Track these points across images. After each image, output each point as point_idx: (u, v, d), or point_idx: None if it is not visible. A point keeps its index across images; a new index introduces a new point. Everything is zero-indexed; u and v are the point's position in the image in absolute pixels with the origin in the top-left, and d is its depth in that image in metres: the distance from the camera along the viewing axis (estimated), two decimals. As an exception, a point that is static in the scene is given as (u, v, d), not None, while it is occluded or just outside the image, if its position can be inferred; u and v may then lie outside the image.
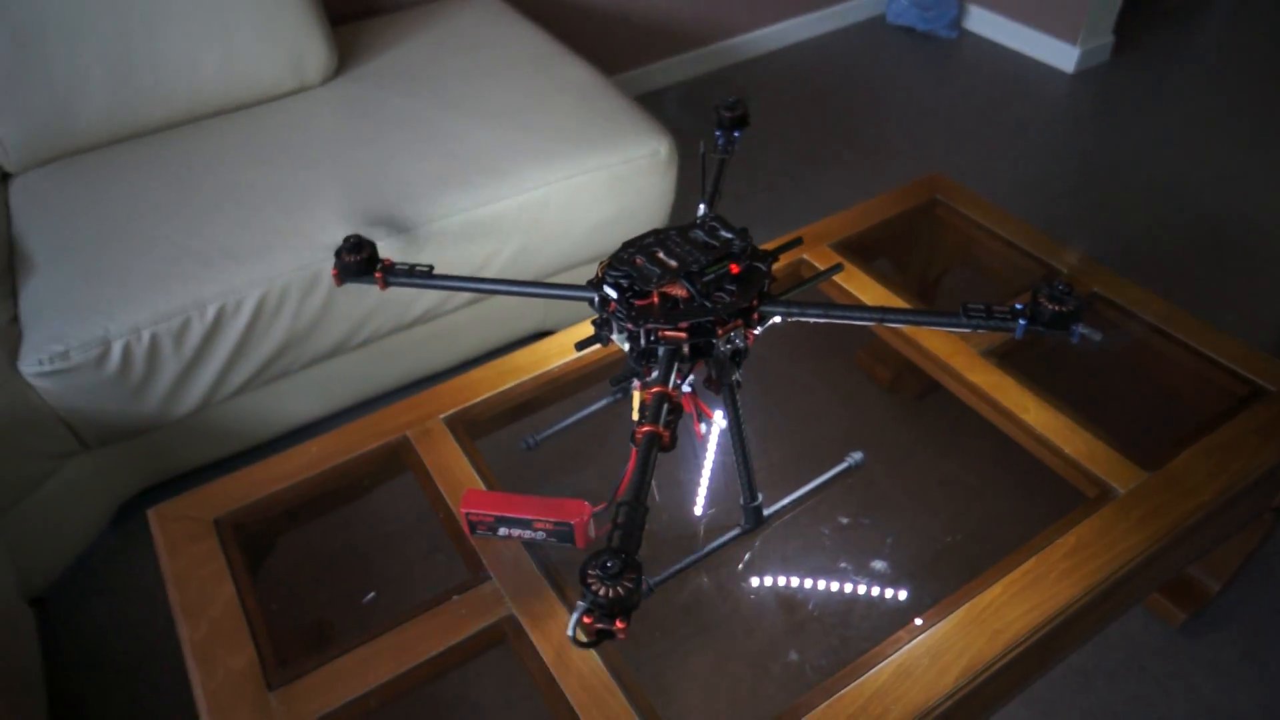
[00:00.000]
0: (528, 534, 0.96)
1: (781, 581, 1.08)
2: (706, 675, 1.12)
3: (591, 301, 0.88)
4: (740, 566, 1.08)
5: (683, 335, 0.82)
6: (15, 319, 1.37)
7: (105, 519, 1.53)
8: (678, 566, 0.95)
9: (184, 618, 0.91)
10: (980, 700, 0.91)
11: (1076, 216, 2.21)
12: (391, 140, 1.63)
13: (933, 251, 1.53)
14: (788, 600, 1.07)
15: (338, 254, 0.96)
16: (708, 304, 0.83)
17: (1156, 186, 2.30)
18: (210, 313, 1.37)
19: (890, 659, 0.86)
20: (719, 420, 0.99)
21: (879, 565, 1.09)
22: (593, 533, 0.95)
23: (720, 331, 0.84)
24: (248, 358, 1.44)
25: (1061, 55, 2.77)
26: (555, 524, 0.94)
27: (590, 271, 1.77)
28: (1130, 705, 1.29)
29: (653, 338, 0.83)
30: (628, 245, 0.89)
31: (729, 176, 1.08)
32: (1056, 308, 0.81)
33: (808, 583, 1.08)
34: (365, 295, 1.49)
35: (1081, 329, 0.82)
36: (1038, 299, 0.82)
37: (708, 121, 1.12)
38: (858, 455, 1.05)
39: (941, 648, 0.87)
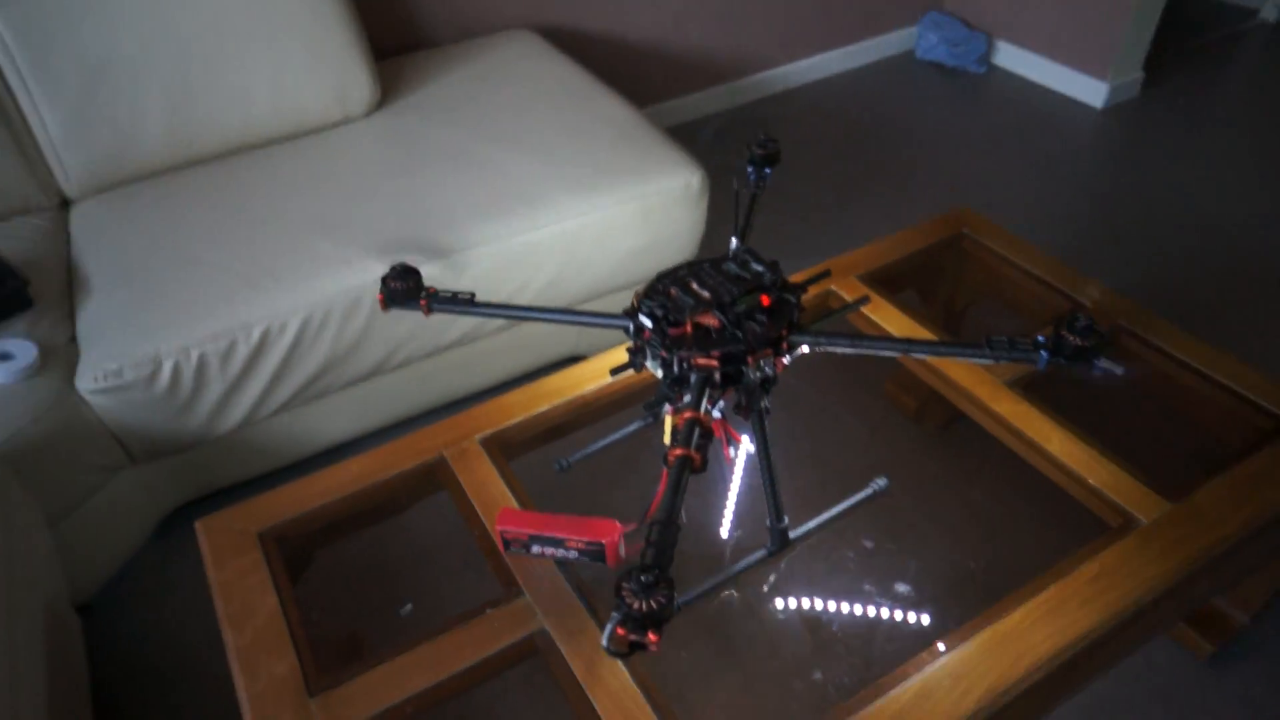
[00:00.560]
0: (560, 552, 0.99)
1: (806, 603, 1.10)
2: (732, 693, 1.13)
3: (627, 330, 0.92)
4: (766, 588, 1.10)
5: (715, 363, 0.86)
6: (73, 339, 1.43)
7: (148, 531, 1.58)
8: (705, 586, 0.98)
9: (229, 626, 0.95)
10: (1002, 725, 0.92)
11: (1103, 251, 2.23)
12: (432, 170, 1.69)
13: (959, 284, 1.55)
14: (812, 621, 1.09)
15: (384, 280, 1.01)
16: (739, 334, 0.87)
17: (1184, 223, 2.31)
18: (255, 334, 1.43)
19: (913, 680, 0.88)
20: (747, 445, 1.02)
21: (902, 589, 1.11)
22: (623, 552, 0.98)
23: (751, 360, 0.87)
24: (290, 377, 1.49)
25: (1091, 91, 2.79)
26: (587, 543, 0.97)
27: (621, 298, 1.81)
28: (1156, 739, 1.29)
29: (685, 365, 0.86)
30: (662, 276, 0.93)
31: (761, 208, 1.11)
32: (1079, 341, 0.84)
33: (832, 604, 1.10)
34: (403, 320, 1.55)
35: (1103, 363, 0.84)
36: (1060, 332, 0.84)
37: (739, 153, 1.16)
38: (882, 481, 1.07)
39: (963, 670, 0.89)
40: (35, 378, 1.35)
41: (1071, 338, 0.84)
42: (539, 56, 2.07)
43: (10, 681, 1.00)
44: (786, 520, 0.99)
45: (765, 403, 0.93)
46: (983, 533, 1.34)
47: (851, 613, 1.10)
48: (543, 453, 1.22)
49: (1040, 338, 0.85)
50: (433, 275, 1.53)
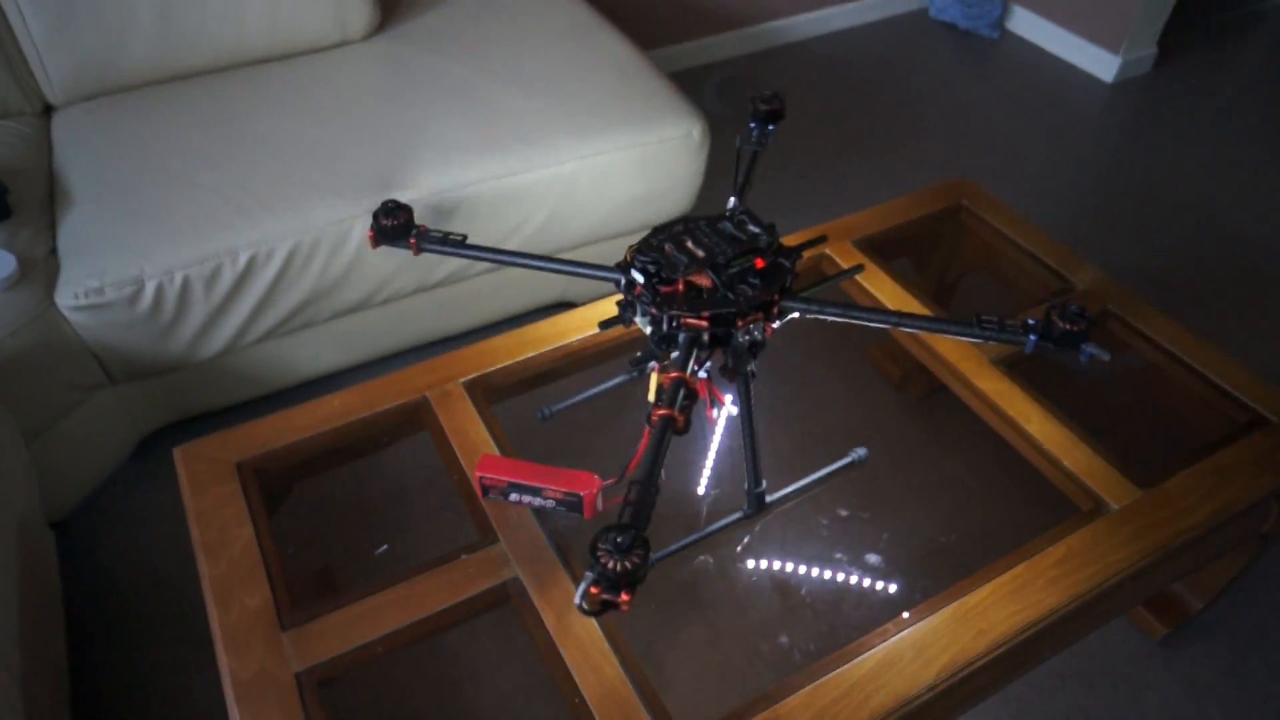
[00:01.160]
0: (538, 501, 0.99)
1: (778, 566, 1.11)
2: (698, 650, 1.16)
3: (618, 283, 0.91)
4: (739, 549, 1.12)
5: (704, 324, 0.85)
6: (54, 251, 1.41)
7: (126, 452, 1.58)
8: (679, 544, 0.99)
9: (204, 555, 0.95)
10: (960, 695, 0.95)
11: (1102, 226, 2.22)
12: (430, 101, 1.65)
13: (954, 255, 1.55)
14: (782, 585, 1.11)
15: (375, 216, 0.99)
16: (731, 295, 0.86)
17: (1186, 202, 2.30)
18: (242, 260, 1.40)
19: (877, 649, 0.89)
20: (730, 406, 1.02)
21: (873, 559, 1.12)
22: (600, 505, 0.99)
23: (740, 323, 0.86)
24: (275, 306, 1.47)
25: (1102, 64, 2.75)
26: (565, 494, 0.98)
27: (616, 245, 1.79)
28: (1103, 712, 1.33)
29: (675, 324, 0.86)
30: (657, 231, 0.92)
31: (762, 162, 1.10)
32: (1067, 326, 0.84)
33: (803, 570, 1.11)
34: (392, 255, 1.52)
35: (1091, 349, 0.84)
36: (1050, 317, 0.84)
37: (744, 107, 1.14)
38: (861, 451, 1.08)
39: (927, 642, 0.91)
40: (13, 290, 1.32)
41: (1061, 323, 0.84)
42: (545, -10, 2.01)
43: (-18, 595, 1.00)
44: (765, 484, 1.00)
45: (752, 366, 0.93)
46: (958, 503, 1.36)
47: (822, 579, 1.12)
48: (527, 399, 1.22)
49: (1030, 320, 0.85)
50: (426, 211, 1.50)
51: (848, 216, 1.42)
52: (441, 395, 1.13)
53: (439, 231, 0.99)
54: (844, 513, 1.17)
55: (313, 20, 1.75)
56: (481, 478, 0.99)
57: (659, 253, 0.88)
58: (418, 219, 1.49)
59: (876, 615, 0.94)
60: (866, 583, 1.12)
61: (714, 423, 1.12)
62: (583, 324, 1.23)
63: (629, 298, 0.90)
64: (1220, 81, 2.78)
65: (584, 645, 0.89)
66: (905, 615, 0.93)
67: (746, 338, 0.88)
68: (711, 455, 1.14)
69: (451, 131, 1.58)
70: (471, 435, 1.09)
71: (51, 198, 1.50)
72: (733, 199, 0.98)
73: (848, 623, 1.07)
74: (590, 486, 0.98)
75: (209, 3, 1.65)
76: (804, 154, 2.40)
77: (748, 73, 2.72)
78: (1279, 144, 2.52)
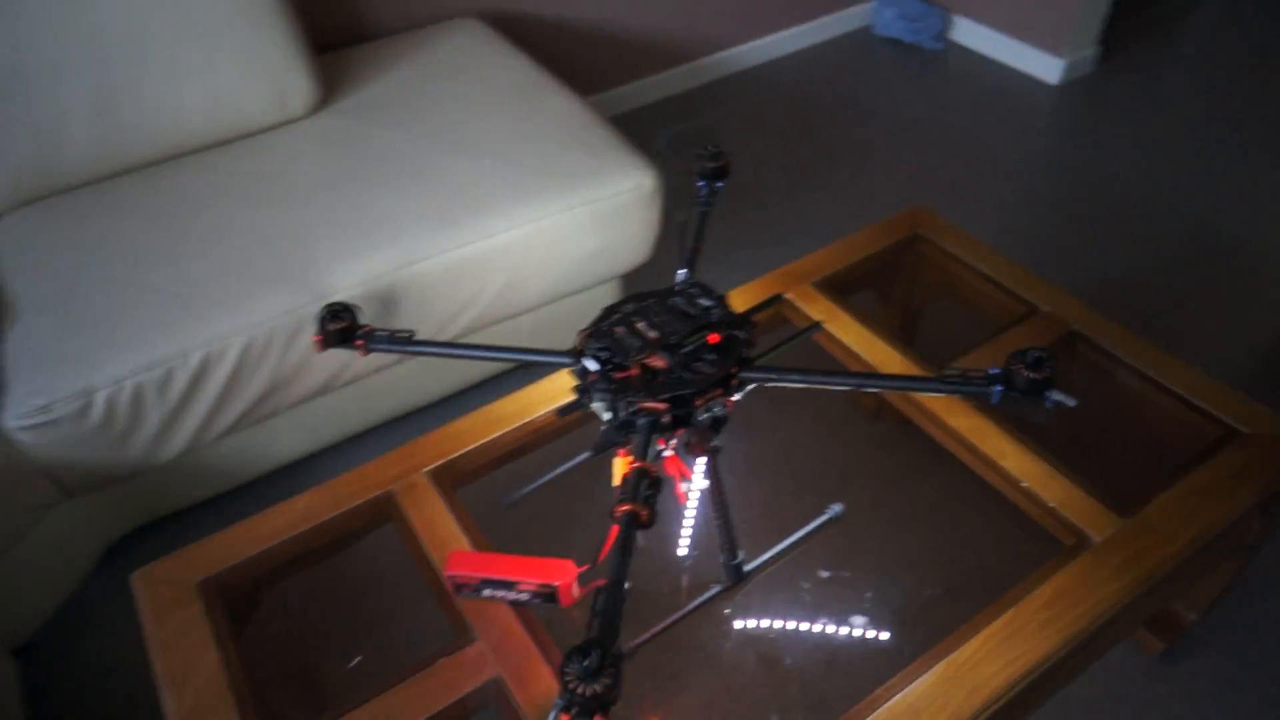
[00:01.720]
0: (512, 595, 0.96)
1: (762, 639, 1.09)
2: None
3: (572, 369, 0.89)
4: (721, 624, 1.09)
5: (662, 407, 0.83)
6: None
7: (91, 562, 1.53)
8: (657, 628, 0.97)
9: (169, 688, 0.92)
10: (960, 756, 0.92)
11: (1061, 232, 2.23)
12: (376, 176, 1.63)
13: (916, 284, 1.54)
14: (768, 658, 1.08)
15: (320, 321, 0.97)
16: (687, 375, 0.84)
17: (1141, 198, 2.32)
18: (194, 361, 1.37)
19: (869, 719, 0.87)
20: (700, 481, 1.00)
21: (859, 621, 1.10)
22: (577, 593, 0.96)
23: (699, 402, 0.85)
24: (232, 403, 1.44)
25: (1047, 67, 2.78)
26: (540, 585, 0.94)
27: (577, 302, 1.78)
28: (1112, 736, 1.31)
29: (632, 409, 0.84)
30: (609, 311, 0.90)
31: (717, 198, 1.08)
32: (1031, 375, 0.83)
33: (788, 640, 1.09)
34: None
35: (1055, 395, 0.83)
36: (1012, 367, 0.83)
37: (692, 144, 1.12)
38: (837, 507, 1.06)
39: (920, 705, 0.88)
40: (-40, 413, 1.29)
41: (1026, 372, 0.83)
42: (486, 47, 2.00)
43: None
44: (742, 554, 0.98)
45: (716, 441, 0.91)
46: (940, 545, 1.35)
47: (808, 647, 1.10)
48: (496, 477, 1.19)
49: (993, 370, 0.84)
50: (378, 292, 1.48)
51: (806, 257, 1.41)
52: (407, 488, 1.11)
53: (385, 331, 0.97)
54: (825, 574, 1.14)
55: (253, 101, 1.73)
56: (451, 576, 0.96)
57: (610, 338, 0.86)
58: (369, 298, 1.47)
59: (868, 679, 0.92)
60: (854, 646, 1.10)
61: (685, 501, 1.10)
62: (545, 398, 1.20)
63: (584, 384, 0.88)
64: (1164, 74, 2.82)
65: (570, 748, 0.86)
66: (894, 680, 0.91)
67: (707, 415, 0.86)
68: (688, 525, 1.12)
69: (400, 205, 1.56)
70: (439, 529, 1.06)
71: (-5, 311, 1.46)
72: (681, 271, 0.97)
73: (838, 691, 1.05)
74: (565, 576, 0.95)
75: (145, 93, 1.62)
76: (759, 185, 2.40)
77: (696, 122, 2.70)
78: (1224, 130, 2.55)
